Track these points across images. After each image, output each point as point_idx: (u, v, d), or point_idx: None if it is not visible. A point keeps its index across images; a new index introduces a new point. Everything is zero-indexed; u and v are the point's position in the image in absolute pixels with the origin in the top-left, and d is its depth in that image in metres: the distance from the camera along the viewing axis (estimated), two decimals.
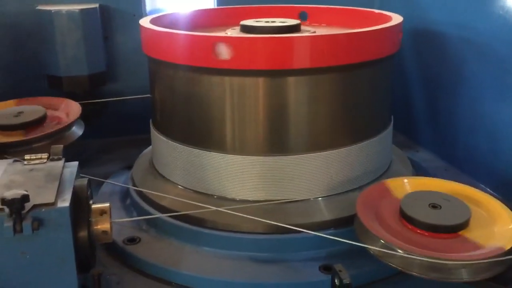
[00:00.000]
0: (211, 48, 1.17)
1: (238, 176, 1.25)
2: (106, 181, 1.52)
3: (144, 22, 1.41)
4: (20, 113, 1.48)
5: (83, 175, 1.07)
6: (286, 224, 1.14)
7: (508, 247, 0.99)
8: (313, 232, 1.13)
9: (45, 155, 1.06)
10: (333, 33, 1.25)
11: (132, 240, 1.25)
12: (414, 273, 0.97)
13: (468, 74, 1.62)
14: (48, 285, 0.92)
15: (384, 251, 1.00)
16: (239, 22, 1.46)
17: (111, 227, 1.02)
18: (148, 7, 1.98)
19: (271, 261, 1.17)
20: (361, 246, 1.04)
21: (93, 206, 1.02)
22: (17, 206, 0.84)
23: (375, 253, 1.02)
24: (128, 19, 1.90)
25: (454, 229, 1.05)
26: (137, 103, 1.72)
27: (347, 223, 1.19)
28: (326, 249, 1.18)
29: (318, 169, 1.25)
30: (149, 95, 1.48)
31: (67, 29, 1.74)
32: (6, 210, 0.85)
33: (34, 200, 0.88)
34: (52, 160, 1.06)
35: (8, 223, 0.84)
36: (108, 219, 1.02)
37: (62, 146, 1.10)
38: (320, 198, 1.27)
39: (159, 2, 2.06)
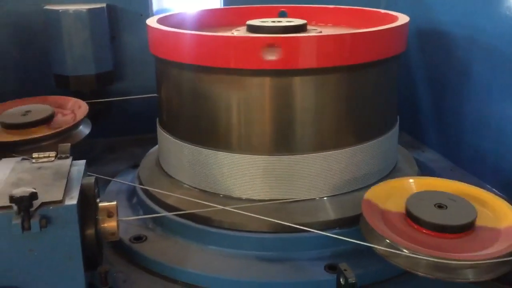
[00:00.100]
0: (254, 48, 1.16)
1: (244, 175, 1.26)
2: (113, 179, 1.52)
3: (151, 22, 1.42)
4: (28, 112, 1.49)
5: (90, 174, 1.08)
6: (292, 224, 1.14)
7: None
8: (318, 231, 1.13)
9: (53, 154, 1.07)
10: (339, 33, 1.25)
11: (138, 238, 1.25)
12: (420, 273, 0.97)
13: (475, 75, 1.61)
14: (56, 282, 0.92)
15: (390, 251, 1.00)
16: (246, 22, 1.46)
17: (118, 225, 1.03)
18: (155, 7, 1.99)
19: (277, 260, 1.17)
20: (367, 246, 1.04)
21: (100, 204, 1.03)
22: (25, 203, 0.85)
23: (381, 252, 1.02)
24: (135, 19, 1.91)
25: (460, 229, 1.05)
26: (143, 103, 1.73)
27: (352, 223, 1.19)
28: (331, 249, 1.18)
29: (324, 168, 1.25)
30: (155, 95, 1.49)
31: (74, 28, 1.75)
32: (15, 207, 0.86)
33: (42, 198, 0.89)
34: (60, 158, 1.07)
35: (17, 221, 0.85)
36: (115, 217, 1.03)
37: (69, 144, 1.10)
38: (325, 198, 1.27)
39: (165, 2, 2.06)
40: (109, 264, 1.18)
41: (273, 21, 1.44)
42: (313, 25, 1.63)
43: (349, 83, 1.26)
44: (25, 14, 1.83)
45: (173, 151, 1.38)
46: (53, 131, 1.40)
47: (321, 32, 1.41)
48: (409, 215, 1.09)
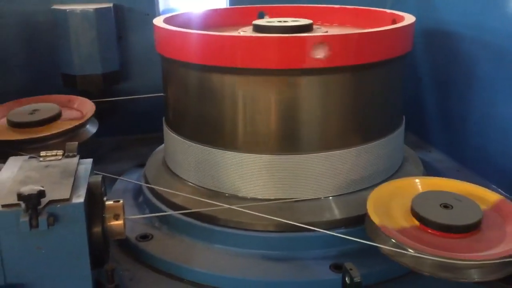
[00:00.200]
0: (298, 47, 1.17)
1: (250, 175, 1.26)
2: (120, 178, 1.53)
3: (158, 21, 1.42)
4: (35, 110, 1.50)
5: (97, 172, 1.09)
6: (297, 223, 1.14)
7: None
8: (324, 231, 1.13)
9: (60, 152, 1.08)
10: (345, 32, 1.25)
11: (144, 237, 1.26)
12: (425, 273, 0.97)
13: (481, 75, 1.61)
14: (63, 280, 0.93)
15: (395, 250, 1.00)
16: (252, 21, 1.46)
17: (124, 224, 1.03)
18: (161, 6, 2.00)
19: (282, 259, 1.18)
20: (372, 245, 1.04)
21: (107, 202, 1.03)
22: (33, 201, 0.85)
23: (386, 252, 1.02)
24: (141, 18, 1.91)
25: (466, 229, 1.05)
26: (150, 102, 1.74)
27: (357, 222, 1.19)
28: (336, 248, 1.19)
29: (329, 168, 1.25)
30: (162, 94, 1.49)
31: (81, 28, 1.76)
32: (23, 205, 0.86)
33: (50, 196, 0.89)
34: (67, 157, 1.07)
35: (24, 218, 0.85)
36: (122, 216, 1.03)
37: (77, 143, 1.11)
38: (330, 197, 1.27)
39: (172, 2, 2.07)
40: (116, 262, 1.18)
41: (279, 21, 1.44)
42: (318, 25, 1.63)
43: (355, 83, 1.26)
44: (32, 13, 1.84)
45: (179, 150, 1.38)
46: (60, 130, 1.41)
47: (327, 32, 1.41)
48: (415, 215, 1.09)
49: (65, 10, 1.75)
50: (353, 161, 1.28)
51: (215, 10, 1.78)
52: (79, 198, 0.91)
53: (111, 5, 1.83)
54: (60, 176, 0.98)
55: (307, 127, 1.25)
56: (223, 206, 1.21)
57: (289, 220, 1.15)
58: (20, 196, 0.85)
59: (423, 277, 0.98)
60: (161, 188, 1.36)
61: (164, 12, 1.98)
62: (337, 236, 1.12)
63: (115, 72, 1.88)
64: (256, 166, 1.25)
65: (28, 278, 0.92)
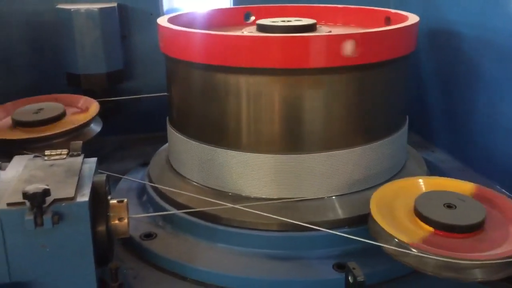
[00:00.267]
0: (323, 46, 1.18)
1: (253, 174, 1.26)
2: (124, 177, 1.54)
3: (162, 21, 1.43)
4: (39, 110, 1.51)
5: (101, 171, 1.09)
6: (301, 222, 1.14)
7: None
8: (327, 230, 1.14)
9: (64, 151, 1.08)
10: (349, 32, 1.25)
11: (148, 236, 1.27)
12: (428, 272, 0.97)
13: (484, 75, 1.61)
14: (67, 278, 0.94)
15: (398, 250, 1.00)
16: (255, 21, 1.47)
17: (128, 223, 1.04)
18: (165, 6, 2.00)
19: (285, 258, 1.18)
20: (375, 245, 1.04)
21: (111, 201, 1.04)
22: (38, 200, 0.86)
23: (389, 252, 1.03)
24: (145, 18, 1.92)
25: (469, 229, 1.05)
26: (154, 101, 1.74)
27: (361, 222, 1.19)
28: (340, 247, 1.19)
29: (333, 168, 1.26)
30: (165, 93, 1.50)
31: (85, 27, 1.77)
32: (28, 204, 0.87)
33: (55, 194, 0.90)
34: (72, 156, 1.08)
35: (29, 217, 0.86)
36: (126, 215, 1.04)
37: (81, 142, 1.11)
38: (334, 197, 1.27)
39: (176, 2, 2.07)
40: (120, 260, 1.19)
41: (283, 21, 1.44)
42: (322, 24, 1.63)
43: (359, 83, 1.26)
44: (37, 13, 1.85)
45: (183, 149, 1.39)
46: (64, 129, 1.42)
47: (330, 31, 1.41)
48: (418, 215, 1.09)
49: (69, 9, 1.76)
50: (357, 161, 1.28)
51: (219, 10, 1.78)
52: (84, 197, 0.92)
53: (115, 4, 1.84)
54: (64, 175, 0.99)
55: (311, 127, 1.25)
56: (226, 205, 1.22)
57: (293, 220, 1.15)
58: (25, 195, 0.86)
59: (426, 276, 0.98)
60: (165, 187, 1.36)
61: (168, 11, 1.99)
62: (341, 235, 1.12)
63: (119, 72, 1.89)
64: (259, 165, 1.25)
65: (32, 276, 0.92)
